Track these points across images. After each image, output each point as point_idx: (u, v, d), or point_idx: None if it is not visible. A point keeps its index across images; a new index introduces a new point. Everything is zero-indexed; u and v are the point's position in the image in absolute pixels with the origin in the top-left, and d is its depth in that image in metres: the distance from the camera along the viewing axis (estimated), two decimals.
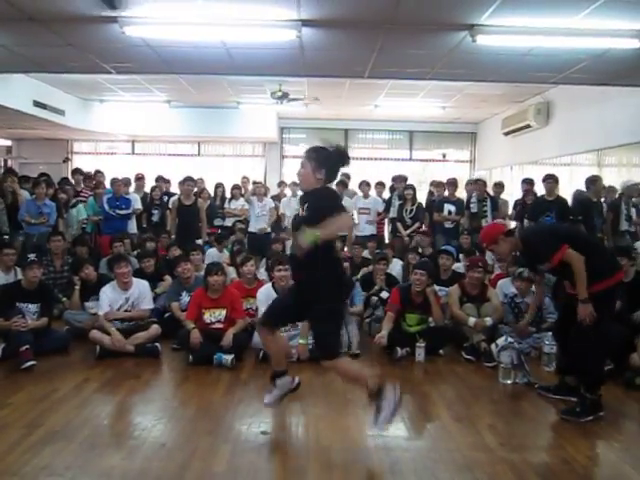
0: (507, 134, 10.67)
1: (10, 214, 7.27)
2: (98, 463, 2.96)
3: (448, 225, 7.78)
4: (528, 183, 7.84)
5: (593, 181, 6.88)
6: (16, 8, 4.72)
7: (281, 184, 10.45)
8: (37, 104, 9.36)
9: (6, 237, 7.02)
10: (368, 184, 8.63)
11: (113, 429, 3.50)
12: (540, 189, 7.33)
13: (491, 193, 8.34)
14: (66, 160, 13.01)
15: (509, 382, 4.35)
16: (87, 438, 3.25)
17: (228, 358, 4.56)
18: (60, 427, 3.39)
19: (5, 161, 13.09)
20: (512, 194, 9.29)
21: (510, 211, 8.18)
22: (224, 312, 4.98)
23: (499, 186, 8.42)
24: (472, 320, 5.04)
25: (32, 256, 5.74)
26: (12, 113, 9.12)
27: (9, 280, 5.59)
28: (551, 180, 6.93)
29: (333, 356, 3.11)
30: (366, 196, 8.47)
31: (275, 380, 3.42)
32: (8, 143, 13.31)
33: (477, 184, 8.10)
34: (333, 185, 3.30)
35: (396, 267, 6.63)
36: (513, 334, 4.79)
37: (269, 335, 3.36)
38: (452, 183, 8.15)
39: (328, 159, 3.07)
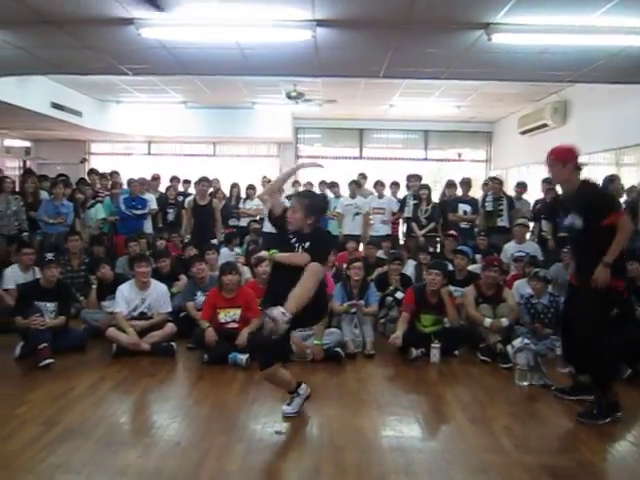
0: (523, 133, 10.57)
1: (28, 214, 7.39)
2: (114, 461, 2.99)
3: (463, 225, 7.72)
4: (550, 182, 7.73)
5: (611, 180, 6.78)
6: (34, 11, 4.78)
7: (295, 184, 10.46)
8: (55, 105, 9.47)
9: (25, 234, 7.12)
10: (383, 184, 8.60)
11: (129, 427, 3.53)
12: (558, 188, 7.24)
13: (512, 193, 8.27)
14: (83, 161, 13.16)
15: (525, 384, 4.31)
16: (103, 436, 3.29)
17: (243, 358, 4.58)
18: (77, 425, 3.43)
19: (24, 162, 13.27)
20: (529, 194, 9.18)
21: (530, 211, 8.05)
22: (239, 312, 5.00)
23: (521, 186, 8.30)
24: (488, 321, 5.00)
25: (50, 255, 5.82)
26: (30, 114, 9.24)
27: (28, 279, 5.67)
28: None
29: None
30: (381, 196, 8.44)
31: (293, 393, 3.66)
32: (27, 144, 13.49)
33: (493, 182, 8.03)
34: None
35: (409, 268, 6.60)
36: (529, 335, 4.74)
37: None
38: (466, 183, 8.09)
39: (316, 207, 3.54)
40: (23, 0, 4.53)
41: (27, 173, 8.72)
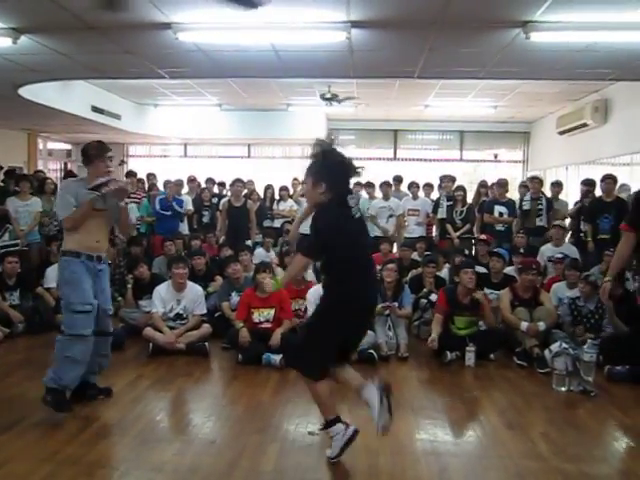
0: (562, 133, 10.33)
1: None
2: (150, 457, 3.05)
3: (499, 227, 7.59)
4: (588, 184, 7.57)
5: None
6: (78, 18, 4.91)
7: None
8: (95, 109, 9.71)
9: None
10: (417, 185, 8.54)
11: (165, 425, 3.60)
12: (598, 190, 7.07)
13: (548, 193, 8.11)
14: (122, 163, 13.42)
15: (563, 389, 4.22)
16: (140, 433, 3.35)
17: (277, 358, 4.61)
18: (115, 421, 3.51)
19: (65, 164, 13.65)
20: (567, 195, 8.99)
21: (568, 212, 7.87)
22: (272, 312, 5.03)
23: (557, 185, 8.12)
24: (524, 324, 4.91)
25: None
26: (72, 118, 9.50)
27: None
28: (610, 180, 6.67)
29: (307, 375, 3.03)
30: (415, 197, 8.38)
31: (328, 427, 3.05)
32: (68, 147, 13.88)
33: (532, 182, 7.87)
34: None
35: (444, 270, 6.52)
36: (567, 340, 4.63)
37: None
38: (501, 184, 7.95)
39: (324, 170, 2.86)
40: (67, 7, 4.66)
41: (68, 175, 8.96)
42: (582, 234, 6.96)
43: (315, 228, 2.86)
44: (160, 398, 4.08)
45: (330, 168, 2.87)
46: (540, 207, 7.45)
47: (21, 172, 9.82)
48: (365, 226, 3.19)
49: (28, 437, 3.24)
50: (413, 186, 8.51)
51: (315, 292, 4.95)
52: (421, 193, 8.63)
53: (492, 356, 4.98)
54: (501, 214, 7.58)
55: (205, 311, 5.30)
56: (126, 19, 4.95)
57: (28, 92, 7.83)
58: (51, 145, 13.29)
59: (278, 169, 12.79)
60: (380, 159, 13.14)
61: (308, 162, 2.95)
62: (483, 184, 8.93)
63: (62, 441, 3.18)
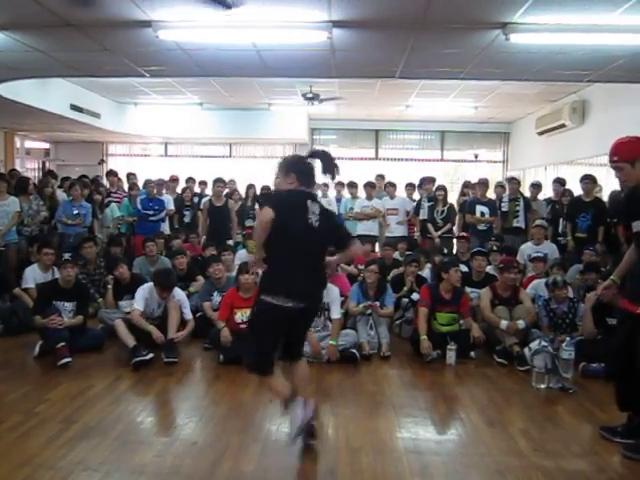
0: (541, 134, 10.47)
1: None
2: (131, 459, 3.02)
3: (481, 227, 7.65)
4: (559, 183, 7.69)
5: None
6: (55, 15, 4.84)
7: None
8: (74, 107, 9.59)
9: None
10: (393, 185, 8.61)
11: (146, 426, 3.56)
12: (577, 189, 7.18)
13: (527, 193, 8.20)
14: (101, 162, 13.31)
15: (543, 387, 4.27)
16: (121, 434, 3.32)
17: None
18: (95, 423, 3.46)
19: (44, 163, 13.46)
20: (546, 194, 9.10)
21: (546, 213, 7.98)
22: None
23: (536, 187, 8.22)
24: (504, 323, 4.96)
25: (67, 256, 5.88)
26: (50, 116, 9.37)
27: (47, 279, 5.76)
28: (588, 181, 6.78)
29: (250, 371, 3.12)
30: (392, 197, 8.44)
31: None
32: (46, 146, 13.68)
33: (511, 182, 7.96)
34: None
35: (426, 270, 6.56)
36: (546, 338, 4.69)
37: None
38: (483, 183, 8.02)
39: (295, 163, 3.11)
40: (44, 3, 4.59)
41: (48, 174, 8.84)
42: (560, 236, 7.05)
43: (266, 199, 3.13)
44: (141, 399, 4.04)
45: (303, 163, 3.12)
46: (518, 208, 7.53)
47: None
48: (330, 222, 3.14)
49: (4, 441, 3.19)
50: (389, 186, 8.55)
51: (334, 291, 4.92)
52: (400, 192, 8.70)
53: (472, 354, 5.03)
54: (483, 214, 7.65)
55: (190, 316, 5.21)
56: (105, 16, 4.91)
57: (5, 90, 7.70)
58: (29, 144, 13.08)
59: (260, 169, 12.75)
60: (362, 159, 13.20)
61: (278, 162, 3.19)
62: (466, 184, 9.01)
63: (39, 444, 3.14)
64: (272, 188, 9.03)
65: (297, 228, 2.93)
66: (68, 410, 3.66)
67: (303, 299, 2.98)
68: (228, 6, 4.47)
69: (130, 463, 2.98)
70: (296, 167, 3.08)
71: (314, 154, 3.15)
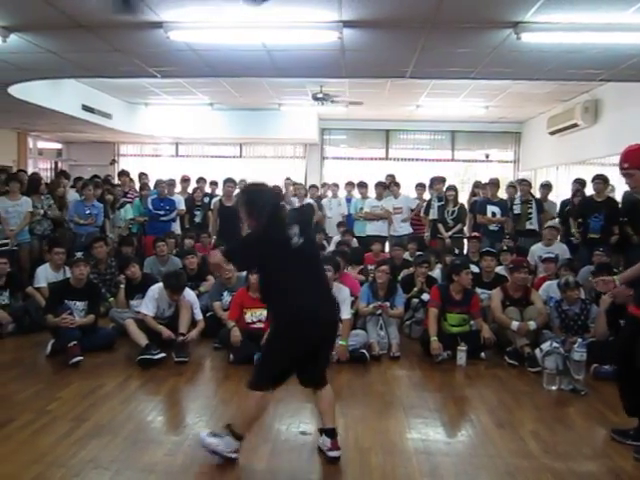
0: (553, 133, 10.39)
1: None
2: (141, 458, 3.04)
3: (492, 227, 7.62)
4: (579, 183, 7.61)
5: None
6: (67, 16, 4.87)
7: (324, 185, 10.49)
8: (86, 108, 9.65)
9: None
10: (397, 184, 8.60)
11: (156, 425, 3.58)
12: (589, 190, 7.13)
13: (537, 194, 8.15)
14: (113, 162, 13.39)
15: (554, 388, 4.25)
16: (131, 433, 3.34)
17: None
18: (106, 422, 3.49)
19: (56, 163, 13.57)
20: (558, 195, 9.04)
21: (557, 212, 7.92)
22: (265, 312, 5.01)
23: (546, 187, 8.17)
24: (515, 324, 4.93)
25: (79, 254, 5.93)
26: (62, 117, 9.43)
27: (59, 278, 5.82)
28: (600, 181, 6.73)
29: (251, 384, 2.97)
30: (397, 196, 8.43)
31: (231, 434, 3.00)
32: (59, 146, 13.79)
33: (521, 184, 7.92)
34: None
35: (436, 270, 6.54)
36: (558, 339, 4.65)
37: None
38: (494, 183, 7.98)
39: (254, 208, 2.95)
40: (56, 5, 4.62)
41: (61, 174, 8.92)
42: (572, 237, 7.00)
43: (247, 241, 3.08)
44: (151, 398, 4.06)
45: (259, 206, 2.93)
46: (530, 210, 7.49)
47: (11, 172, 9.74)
48: (311, 236, 3.13)
49: (16, 439, 3.22)
50: (392, 185, 8.55)
51: (344, 291, 4.91)
52: (410, 192, 8.68)
53: (483, 355, 5.01)
54: (494, 214, 7.61)
55: (200, 317, 5.23)
56: (117, 17, 4.92)
57: (18, 91, 7.77)
58: (42, 144, 13.19)
59: (270, 169, 12.78)
60: (372, 159, 13.17)
61: (242, 191, 3.14)
62: (477, 184, 8.98)
63: (51, 442, 3.16)
64: (283, 190, 9.09)
65: (286, 260, 2.89)
66: (79, 408, 3.69)
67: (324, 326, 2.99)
68: (259, 2, 4.46)
69: (140, 462, 3.00)
70: (254, 211, 2.95)
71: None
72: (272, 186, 3.07)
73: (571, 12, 4.72)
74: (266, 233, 2.91)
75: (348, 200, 9.22)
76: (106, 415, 3.60)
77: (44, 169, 13.04)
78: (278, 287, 2.92)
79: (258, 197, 2.98)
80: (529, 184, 8.00)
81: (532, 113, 11.54)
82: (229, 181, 7.84)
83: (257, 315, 5.03)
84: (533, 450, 3.21)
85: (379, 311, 5.20)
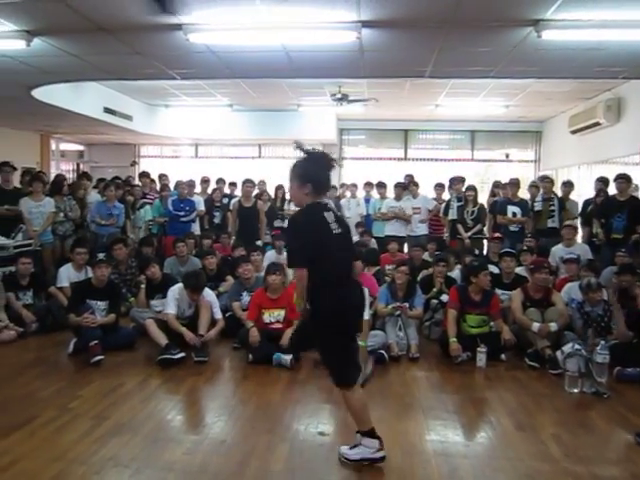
0: (574, 132, 10.25)
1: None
2: (161, 456, 3.07)
3: (513, 228, 7.53)
4: (602, 182, 7.49)
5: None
6: (88, 19, 4.94)
7: (342, 185, 10.49)
8: (107, 110, 9.78)
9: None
10: (416, 184, 8.55)
11: (175, 424, 3.61)
12: (612, 189, 7.01)
13: (559, 193, 8.04)
14: (134, 164, 13.55)
15: (576, 391, 4.18)
16: (151, 432, 3.37)
17: (287, 358, 4.61)
18: (126, 420, 3.53)
19: (78, 165, 13.77)
20: (580, 195, 8.91)
21: (579, 212, 7.81)
22: (283, 312, 5.04)
23: (568, 185, 8.06)
24: (536, 325, 4.87)
25: (101, 255, 6.00)
26: (84, 119, 9.57)
27: (81, 278, 5.89)
28: (622, 180, 6.62)
29: (338, 384, 2.97)
30: (415, 196, 8.39)
31: (363, 436, 3.02)
32: (80, 148, 14.00)
33: (544, 182, 7.81)
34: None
35: (456, 271, 6.49)
36: (580, 341, 4.59)
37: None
38: (514, 183, 7.89)
39: (309, 171, 2.91)
40: (78, 9, 4.69)
41: (83, 176, 9.04)
42: (595, 237, 6.89)
43: (294, 230, 2.90)
44: (171, 397, 4.10)
45: (315, 171, 2.93)
46: (552, 208, 7.39)
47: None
48: (345, 226, 3.05)
49: (39, 436, 3.27)
50: (411, 185, 8.50)
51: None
52: (429, 192, 8.62)
53: (503, 357, 4.96)
54: (514, 214, 7.53)
55: (220, 316, 5.27)
56: (138, 20, 4.99)
57: (41, 94, 7.90)
58: (64, 146, 13.40)
59: (289, 169, 12.76)
60: (390, 159, 13.12)
61: (293, 164, 2.99)
62: (497, 184, 8.90)
63: (72, 440, 3.21)
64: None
65: (329, 245, 2.85)
66: (100, 407, 3.74)
67: (358, 312, 3.03)
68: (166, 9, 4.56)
69: (160, 460, 3.03)
70: (311, 176, 2.91)
71: (312, 155, 2.97)
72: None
73: (593, 9, 4.65)
74: (309, 214, 2.88)
75: (367, 200, 9.21)
76: (126, 413, 3.64)
77: (66, 171, 13.24)
78: (321, 276, 2.84)
79: (319, 166, 2.95)
80: (552, 181, 7.88)
81: (553, 112, 11.40)
82: (248, 182, 7.88)
83: (275, 316, 5.05)
84: (554, 453, 3.17)
85: (398, 312, 5.18)
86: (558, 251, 6.54)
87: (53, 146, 12.77)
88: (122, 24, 5.10)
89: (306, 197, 2.90)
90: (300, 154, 2.95)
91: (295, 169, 2.95)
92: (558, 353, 4.53)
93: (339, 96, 9.20)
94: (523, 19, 4.91)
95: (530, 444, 3.30)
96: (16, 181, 7.88)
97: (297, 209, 3.01)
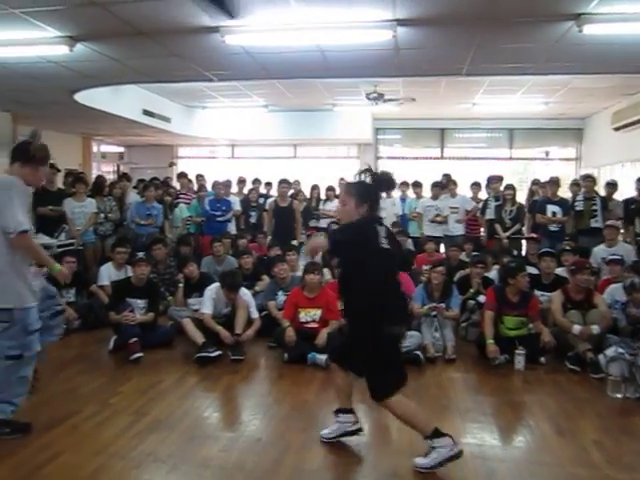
0: (618, 129, 9.95)
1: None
2: (197, 453, 3.11)
3: (553, 228, 7.36)
4: None
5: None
6: (128, 24, 5.06)
7: None
8: (146, 112, 9.98)
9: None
10: (455, 183, 8.45)
11: (212, 422, 3.66)
12: None
13: (602, 193, 7.81)
14: (172, 164, 13.79)
15: (619, 396, 4.06)
16: (188, 429, 3.43)
17: (322, 358, 4.61)
18: (164, 416, 3.60)
19: (118, 166, 14.10)
20: (622, 194, 8.65)
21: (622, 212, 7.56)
22: (319, 312, 5.05)
23: (612, 186, 7.80)
24: (577, 328, 4.75)
25: (140, 254, 6.13)
26: (124, 121, 9.80)
27: (121, 276, 6.03)
28: None
29: (379, 398, 2.97)
30: (454, 195, 8.28)
31: (338, 414, 3.29)
32: (120, 150, 14.32)
33: (585, 180, 7.60)
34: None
35: (493, 271, 6.38)
36: (623, 344, 4.45)
37: (339, 371, 3.23)
38: (554, 182, 7.71)
39: (370, 193, 3.01)
40: (118, 14, 4.80)
41: (123, 177, 9.25)
42: (639, 237, 6.68)
43: (346, 231, 3.02)
44: (207, 395, 4.15)
45: (375, 192, 3.03)
46: (594, 207, 7.18)
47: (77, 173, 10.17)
48: (395, 243, 3.11)
49: (81, 430, 3.37)
50: (451, 184, 8.40)
51: None
52: (460, 190, 8.55)
53: (543, 360, 4.85)
54: (554, 213, 7.35)
55: (256, 315, 5.31)
56: (176, 24, 5.07)
57: (83, 97, 8.12)
58: (104, 148, 13.74)
59: (324, 169, 12.82)
60: (427, 158, 12.99)
61: (351, 185, 3.07)
62: (536, 182, 8.72)
63: (113, 435, 3.29)
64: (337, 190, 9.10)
65: (378, 256, 2.92)
66: (139, 403, 3.82)
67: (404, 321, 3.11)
68: (230, 13, 4.60)
69: (196, 457, 3.07)
70: (371, 197, 3.00)
71: (378, 178, 3.05)
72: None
73: (635, 2, 4.51)
74: (363, 226, 2.95)
75: (402, 200, 9.14)
76: (164, 410, 3.71)
77: (107, 172, 13.57)
78: (368, 286, 2.89)
79: (380, 188, 3.08)
80: (594, 180, 7.66)
81: (595, 108, 11.08)
82: (284, 182, 7.92)
83: (311, 315, 5.06)
84: (595, 460, 3.08)
85: (434, 312, 5.13)
86: (600, 252, 6.36)
87: (94, 148, 13.11)
88: (161, 28, 5.19)
89: (358, 215, 2.97)
90: (366, 178, 3.03)
91: (356, 188, 3.03)
92: (600, 357, 4.41)
93: (374, 95, 9.15)
94: (564, 13, 4.79)
95: (570, 450, 3.22)
96: (60, 182, 8.14)
97: (336, 212, 3.12)
